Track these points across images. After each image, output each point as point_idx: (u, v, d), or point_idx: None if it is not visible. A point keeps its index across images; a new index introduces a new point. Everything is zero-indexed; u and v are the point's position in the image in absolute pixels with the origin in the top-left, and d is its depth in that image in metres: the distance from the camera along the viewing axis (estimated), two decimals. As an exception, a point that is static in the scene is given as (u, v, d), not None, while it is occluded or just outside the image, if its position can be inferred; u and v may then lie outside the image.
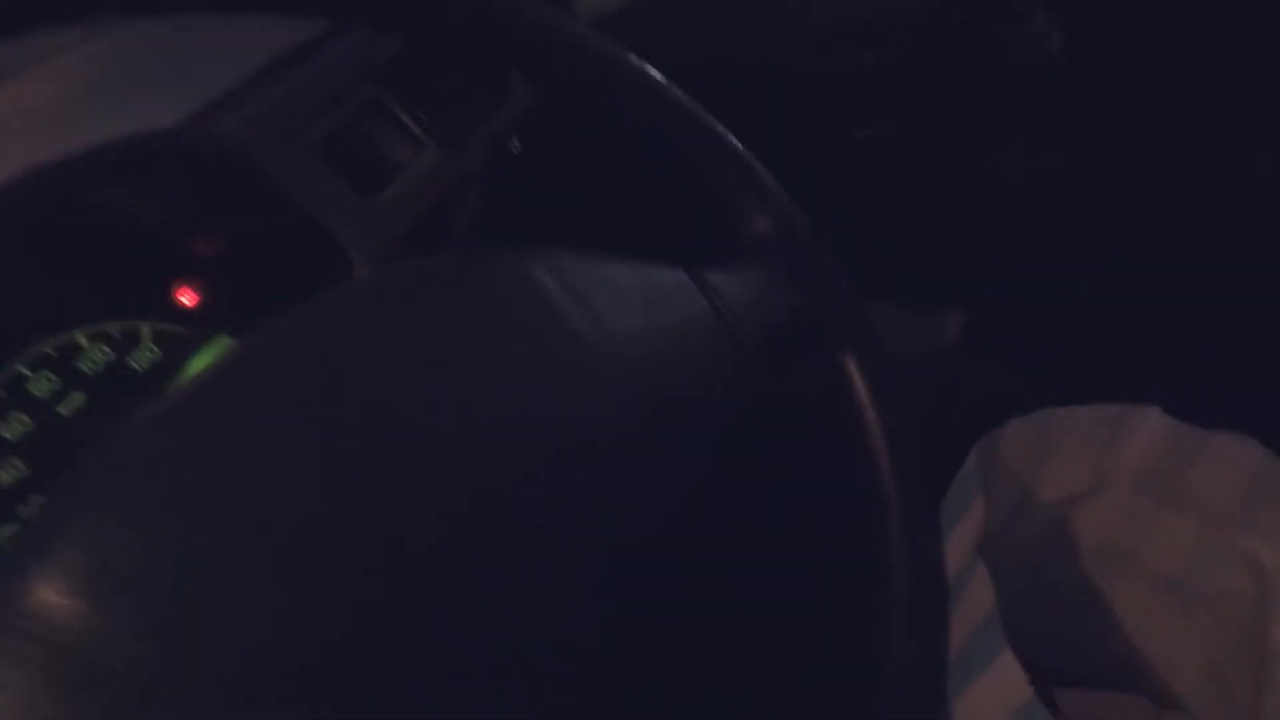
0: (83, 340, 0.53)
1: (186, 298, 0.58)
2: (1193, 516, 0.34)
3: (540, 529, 0.26)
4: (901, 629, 0.32)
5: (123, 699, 0.19)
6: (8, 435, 0.49)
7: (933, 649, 0.33)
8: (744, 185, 0.39)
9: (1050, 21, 0.53)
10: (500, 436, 0.27)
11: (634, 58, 0.38)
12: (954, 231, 0.70)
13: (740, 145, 0.39)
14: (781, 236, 0.38)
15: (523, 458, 0.27)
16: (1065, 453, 0.38)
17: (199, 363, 0.56)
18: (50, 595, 0.20)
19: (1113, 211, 0.63)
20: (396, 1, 0.35)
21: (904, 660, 0.33)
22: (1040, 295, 0.69)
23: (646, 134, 0.39)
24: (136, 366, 0.54)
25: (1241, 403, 0.40)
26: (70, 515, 0.22)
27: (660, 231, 0.43)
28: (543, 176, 0.54)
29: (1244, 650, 0.32)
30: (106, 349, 0.53)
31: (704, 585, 0.30)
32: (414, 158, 0.61)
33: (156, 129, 0.51)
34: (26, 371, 0.50)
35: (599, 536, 0.28)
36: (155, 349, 0.56)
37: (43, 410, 0.50)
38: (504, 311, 0.29)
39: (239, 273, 0.58)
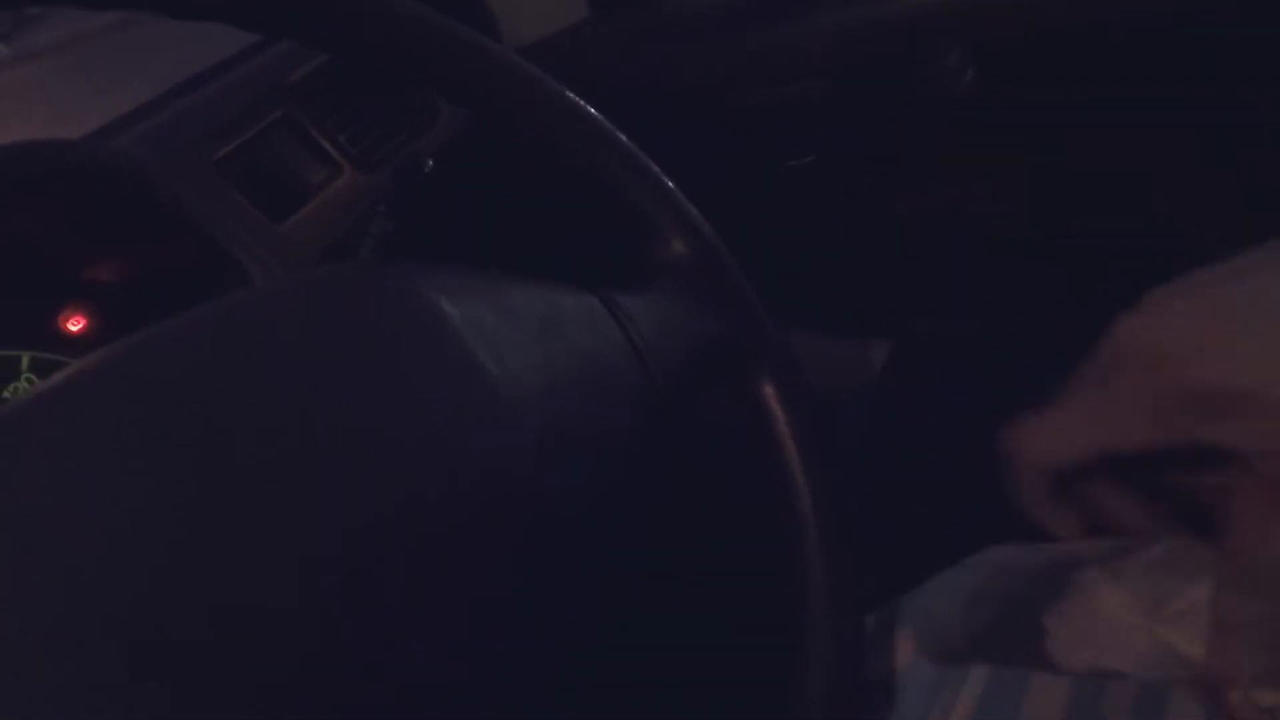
0: (-50, 369, 0.48)
1: (74, 324, 0.54)
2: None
3: (427, 568, 0.24)
4: (819, 661, 0.31)
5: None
6: None
7: (849, 678, 0.32)
8: (659, 206, 0.38)
9: (964, 58, 0.54)
10: (382, 468, 0.24)
11: (552, 80, 0.37)
12: (881, 261, 0.71)
13: (656, 167, 0.38)
14: (697, 259, 0.37)
15: (408, 489, 0.24)
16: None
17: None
18: None
19: (1038, 242, 0.64)
20: (318, 17, 0.33)
21: (821, 692, 0.31)
22: (966, 327, 0.70)
23: (563, 155, 0.38)
24: (10, 398, 0.50)
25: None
26: None
27: (575, 252, 0.42)
28: (455, 196, 0.52)
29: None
30: (-22, 378, 0.49)
31: (614, 621, 0.28)
32: (328, 180, 0.59)
33: (45, 140, 0.48)
34: (-118, 402, 0.46)
35: (494, 577, 0.26)
36: (34, 379, 0.51)
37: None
38: (393, 336, 0.27)
39: (133, 299, 0.55)
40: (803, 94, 0.66)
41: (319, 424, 0.24)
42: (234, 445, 0.22)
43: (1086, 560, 0.37)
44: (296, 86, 0.58)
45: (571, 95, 0.37)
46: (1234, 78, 0.52)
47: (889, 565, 0.38)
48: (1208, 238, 0.55)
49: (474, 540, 0.25)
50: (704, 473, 0.42)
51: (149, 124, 0.50)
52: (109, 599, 0.19)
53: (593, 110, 0.38)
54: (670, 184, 0.38)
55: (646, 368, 0.33)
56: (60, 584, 0.19)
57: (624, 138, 0.38)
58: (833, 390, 0.62)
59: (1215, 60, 0.51)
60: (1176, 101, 0.54)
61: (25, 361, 0.51)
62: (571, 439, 0.29)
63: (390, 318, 0.27)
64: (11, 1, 0.29)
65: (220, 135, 0.53)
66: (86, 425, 0.22)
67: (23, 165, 0.48)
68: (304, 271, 0.29)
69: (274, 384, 0.25)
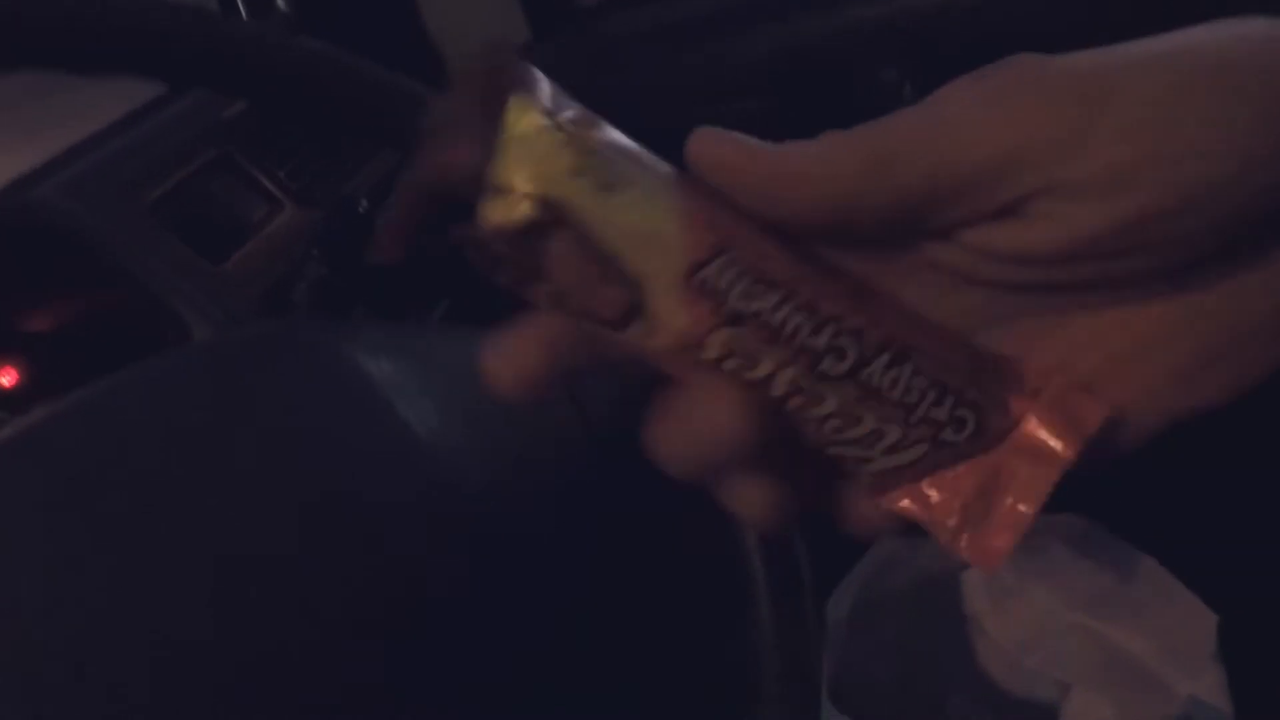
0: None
1: (5, 378, 0.53)
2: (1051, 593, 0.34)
3: (338, 642, 0.23)
4: (770, 695, 0.31)
5: None
6: None
7: (798, 707, 0.32)
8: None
9: (901, 73, 0.55)
10: (303, 530, 0.24)
11: None
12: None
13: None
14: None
15: (326, 549, 0.24)
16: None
17: None
18: None
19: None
20: (234, 70, 0.32)
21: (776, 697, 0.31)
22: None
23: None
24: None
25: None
26: None
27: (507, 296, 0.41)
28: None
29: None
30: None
31: (552, 680, 0.28)
32: (269, 217, 0.58)
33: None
34: None
35: (422, 644, 0.25)
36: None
37: None
38: (314, 398, 0.27)
39: (66, 350, 0.53)
40: (742, 111, 0.66)
41: (240, 490, 0.24)
42: (161, 507, 0.22)
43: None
44: (231, 123, 0.57)
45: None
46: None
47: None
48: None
49: (395, 611, 0.24)
50: (648, 509, 0.42)
51: (75, 170, 0.49)
52: (53, 643, 0.19)
53: None
54: None
55: (581, 412, 0.32)
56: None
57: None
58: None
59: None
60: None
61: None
62: (500, 490, 0.29)
63: (311, 379, 0.27)
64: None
65: (154, 178, 0.52)
66: (23, 486, 0.22)
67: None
68: (227, 334, 0.29)
69: (199, 448, 0.25)
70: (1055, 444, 0.17)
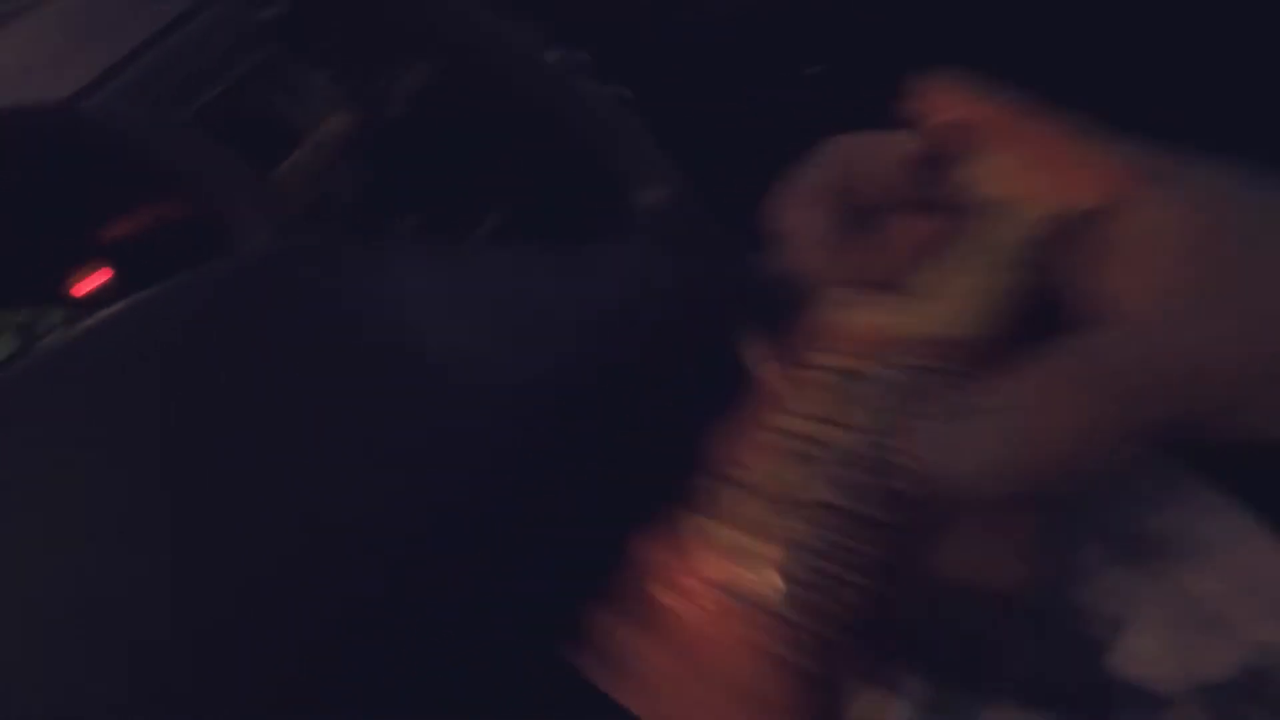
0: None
1: (91, 283, 0.55)
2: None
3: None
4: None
5: None
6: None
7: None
8: (627, 155, 0.35)
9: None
10: (305, 448, 0.24)
11: (512, 26, 0.35)
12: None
13: (623, 114, 0.35)
14: (668, 207, 0.35)
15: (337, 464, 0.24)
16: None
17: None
18: None
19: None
20: None
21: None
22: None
23: (526, 104, 0.35)
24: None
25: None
26: None
27: (547, 204, 0.40)
28: (424, 144, 0.50)
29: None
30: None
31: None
32: (319, 121, 0.57)
33: (15, 108, 0.47)
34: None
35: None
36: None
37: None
38: (327, 325, 0.26)
39: (143, 255, 0.55)
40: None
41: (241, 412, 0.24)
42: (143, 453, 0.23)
43: None
44: (272, 25, 0.55)
45: (530, 42, 0.35)
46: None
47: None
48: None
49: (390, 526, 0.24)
50: (680, 431, 0.41)
51: (120, 82, 0.49)
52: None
53: (553, 59, 0.35)
54: (641, 129, 0.35)
55: (612, 326, 0.31)
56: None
57: (591, 83, 0.35)
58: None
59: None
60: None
61: (38, 320, 0.52)
62: (539, 422, 0.28)
63: (323, 307, 0.27)
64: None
65: (198, 85, 0.51)
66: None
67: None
68: (256, 252, 0.29)
69: (210, 372, 0.25)
70: None
